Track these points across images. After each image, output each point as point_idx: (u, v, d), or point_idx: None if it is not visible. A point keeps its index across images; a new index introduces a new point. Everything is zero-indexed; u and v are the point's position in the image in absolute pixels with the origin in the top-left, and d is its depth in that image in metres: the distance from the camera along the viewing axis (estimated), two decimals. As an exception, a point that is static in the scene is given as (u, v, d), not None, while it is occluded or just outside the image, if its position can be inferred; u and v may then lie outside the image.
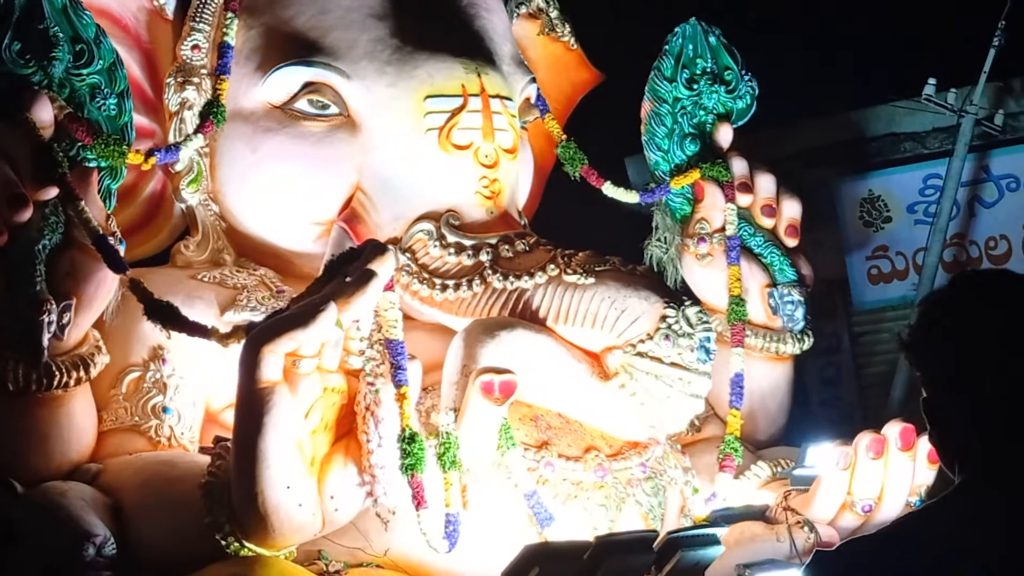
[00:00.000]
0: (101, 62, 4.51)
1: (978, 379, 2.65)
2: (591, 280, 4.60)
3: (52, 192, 4.24)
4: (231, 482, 3.95)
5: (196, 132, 4.93)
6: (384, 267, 4.02)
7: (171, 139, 5.04)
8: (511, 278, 4.68)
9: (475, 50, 5.11)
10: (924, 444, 4.60)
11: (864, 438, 4.60)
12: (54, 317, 4.15)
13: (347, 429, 4.13)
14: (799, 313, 5.58)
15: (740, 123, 5.82)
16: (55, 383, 4.21)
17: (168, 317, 4.22)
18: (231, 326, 4.24)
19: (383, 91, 4.95)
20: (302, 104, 5.00)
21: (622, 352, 4.53)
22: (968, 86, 6.97)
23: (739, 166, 5.64)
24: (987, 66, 6.90)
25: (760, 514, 4.71)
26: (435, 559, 4.27)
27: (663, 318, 4.52)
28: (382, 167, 4.94)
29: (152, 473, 4.33)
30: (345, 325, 3.97)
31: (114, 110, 4.54)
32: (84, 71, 4.48)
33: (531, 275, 4.67)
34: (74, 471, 4.39)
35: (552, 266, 4.66)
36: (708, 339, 4.57)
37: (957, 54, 7.18)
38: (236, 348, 4.43)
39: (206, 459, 4.27)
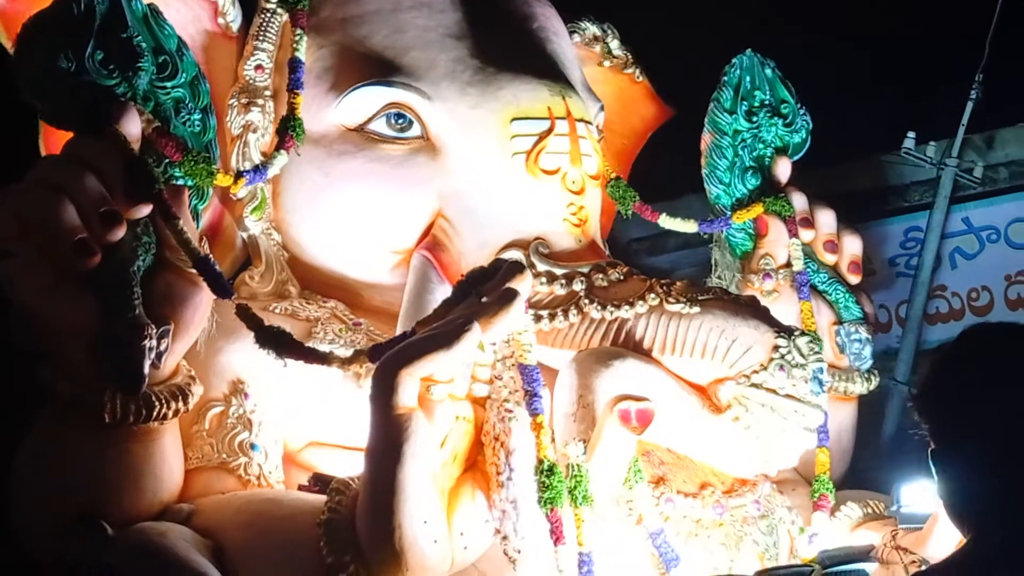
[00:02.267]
0: (184, 75, 4.25)
1: (988, 433, 2.55)
2: (696, 309, 4.38)
3: (146, 210, 3.95)
4: (358, 517, 3.68)
5: (278, 149, 4.65)
6: (524, 286, 3.79)
7: (233, 163, 4.76)
8: (610, 308, 4.44)
9: (556, 73, 4.91)
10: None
11: None
12: (154, 343, 3.85)
13: (472, 461, 3.89)
14: (867, 351, 5.44)
15: (796, 157, 5.69)
16: (154, 415, 3.91)
17: (283, 344, 3.95)
18: (351, 351, 3.99)
19: (466, 113, 4.71)
20: (378, 126, 4.74)
21: (735, 383, 4.31)
22: (947, 139, 6.99)
23: (800, 201, 5.51)
24: (965, 119, 6.92)
25: (865, 554, 4.53)
26: (558, 603, 4.00)
27: (775, 348, 4.32)
28: (467, 193, 4.69)
29: (256, 512, 4.01)
30: (486, 347, 3.74)
31: (198, 126, 4.28)
32: (168, 84, 4.20)
33: (631, 304, 4.43)
34: (165, 511, 4.07)
35: (652, 295, 4.43)
36: (821, 370, 4.37)
37: (936, 107, 7.20)
38: (316, 383, 4.26)
39: (312, 497, 4.00)
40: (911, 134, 7.04)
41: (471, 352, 3.68)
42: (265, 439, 4.38)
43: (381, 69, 4.78)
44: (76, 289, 3.83)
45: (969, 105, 6.87)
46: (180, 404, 3.99)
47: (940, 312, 7.10)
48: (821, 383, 4.38)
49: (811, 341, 4.40)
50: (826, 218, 5.55)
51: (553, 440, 4.14)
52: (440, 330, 3.68)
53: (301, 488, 4.22)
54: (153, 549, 3.77)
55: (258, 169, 4.57)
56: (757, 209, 5.46)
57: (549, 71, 4.89)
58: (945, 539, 4.43)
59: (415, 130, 4.74)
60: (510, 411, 3.88)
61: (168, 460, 4.09)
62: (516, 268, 3.83)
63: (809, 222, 5.50)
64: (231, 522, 3.98)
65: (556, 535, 3.84)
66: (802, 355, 4.34)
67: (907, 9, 8.16)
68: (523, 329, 3.91)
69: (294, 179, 4.82)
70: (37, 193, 3.85)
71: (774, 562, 4.43)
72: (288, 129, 4.66)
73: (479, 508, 3.81)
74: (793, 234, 5.42)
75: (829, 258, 5.53)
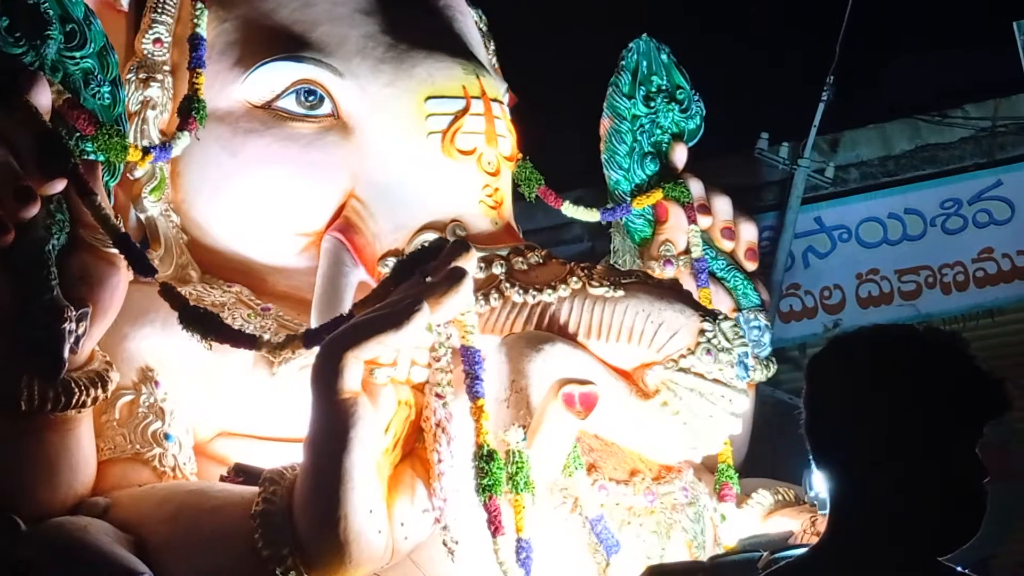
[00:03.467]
0: (93, 45, 4.01)
1: (854, 440, 2.55)
2: (620, 293, 4.28)
3: (60, 185, 3.70)
4: (296, 508, 3.50)
5: (180, 130, 4.42)
6: (470, 265, 3.66)
7: (130, 140, 4.48)
8: (532, 292, 4.31)
9: (467, 52, 4.78)
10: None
11: None
12: (73, 326, 3.61)
13: (411, 447, 3.74)
14: (766, 338, 5.45)
15: (691, 143, 5.65)
16: (73, 402, 3.66)
17: (209, 326, 3.74)
18: (282, 334, 3.80)
19: (380, 91, 4.54)
20: (287, 103, 4.54)
21: (663, 368, 4.22)
22: (799, 140, 7.07)
23: (697, 187, 5.48)
24: (817, 120, 7.02)
25: (784, 541, 4.49)
26: (497, 594, 3.86)
27: (702, 332, 4.24)
28: (380, 173, 4.51)
29: (181, 504, 3.78)
30: (434, 328, 3.60)
31: (108, 99, 4.05)
32: (77, 54, 3.97)
33: (553, 288, 4.30)
34: (79, 505, 3.81)
35: (575, 279, 4.31)
36: (746, 354, 4.33)
37: (788, 108, 7.28)
38: (226, 371, 4.10)
39: (240, 488, 3.80)
40: (764, 135, 7.16)
41: (420, 333, 3.53)
42: (177, 428, 4.16)
43: (290, 44, 4.59)
44: None
45: (820, 106, 6.98)
46: (99, 391, 3.75)
47: (794, 310, 7.25)
48: (747, 367, 4.35)
49: (735, 325, 4.35)
50: (723, 205, 5.53)
51: None
52: (387, 310, 3.52)
53: (223, 479, 4.01)
54: (75, 545, 3.53)
55: (164, 147, 4.35)
56: (656, 195, 5.41)
57: (461, 49, 4.76)
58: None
59: (326, 107, 4.56)
60: (450, 395, 3.73)
61: (83, 451, 3.84)
62: (462, 247, 3.69)
63: (707, 208, 5.46)
64: (153, 516, 3.75)
65: (495, 525, 3.69)
66: (727, 339, 4.28)
67: (759, 10, 8.24)
68: (466, 310, 3.75)
69: (196, 158, 4.59)
70: None
71: (702, 550, 4.37)
72: (191, 110, 4.45)
73: (419, 497, 3.65)
74: (692, 220, 5.39)
75: (727, 245, 5.51)
